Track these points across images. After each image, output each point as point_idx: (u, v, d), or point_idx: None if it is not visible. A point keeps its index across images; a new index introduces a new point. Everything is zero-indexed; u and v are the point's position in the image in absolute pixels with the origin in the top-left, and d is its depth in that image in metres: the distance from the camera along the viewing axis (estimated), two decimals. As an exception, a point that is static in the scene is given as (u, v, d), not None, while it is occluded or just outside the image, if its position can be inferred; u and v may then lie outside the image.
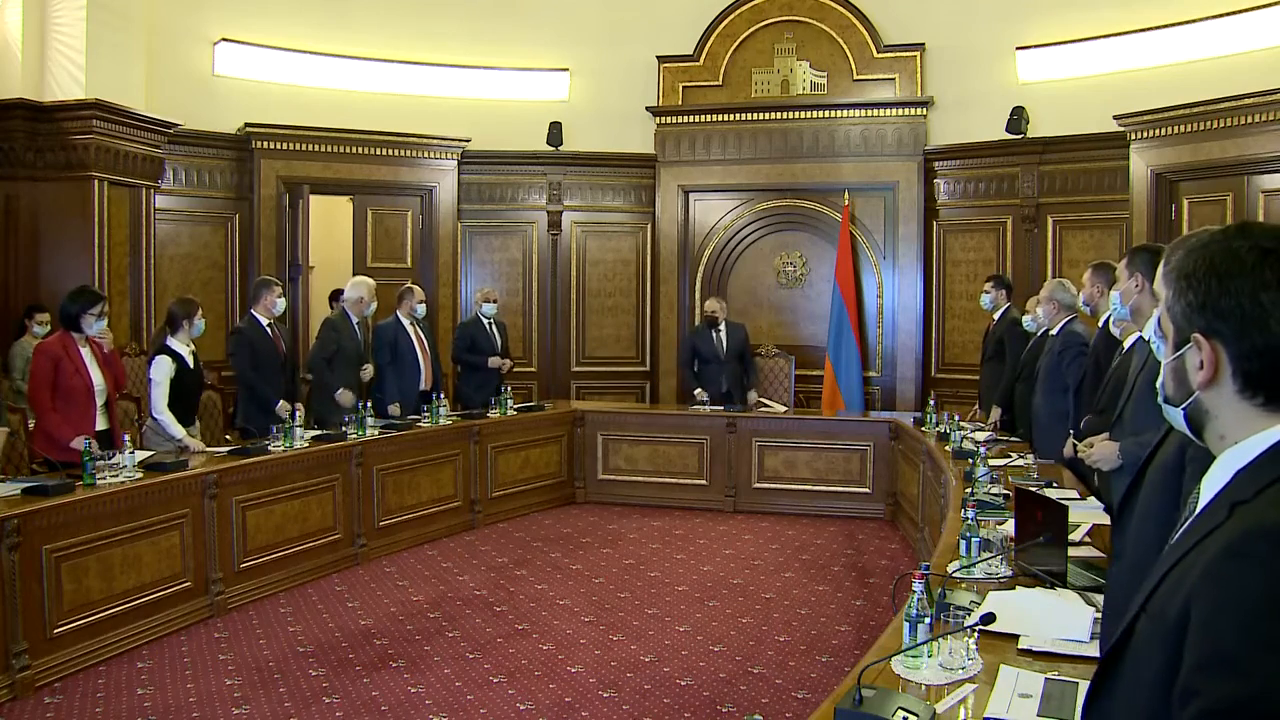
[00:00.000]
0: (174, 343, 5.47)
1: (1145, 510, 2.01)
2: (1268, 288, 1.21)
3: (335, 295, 9.27)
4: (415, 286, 7.32)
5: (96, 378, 5.05)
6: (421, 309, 7.19)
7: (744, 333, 8.02)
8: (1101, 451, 2.91)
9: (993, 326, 6.72)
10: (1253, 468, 1.19)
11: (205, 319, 5.65)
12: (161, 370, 5.38)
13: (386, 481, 6.27)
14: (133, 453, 4.78)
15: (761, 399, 7.80)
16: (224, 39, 8.43)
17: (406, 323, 7.10)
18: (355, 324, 6.75)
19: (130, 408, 5.92)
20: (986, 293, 6.71)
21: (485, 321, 7.63)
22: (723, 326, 7.85)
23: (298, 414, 5.88)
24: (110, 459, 4.60)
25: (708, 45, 9.22)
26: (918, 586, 2.41)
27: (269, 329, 6.10)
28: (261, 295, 6.09)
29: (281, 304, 6.17)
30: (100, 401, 5.07)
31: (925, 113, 8.70)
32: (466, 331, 7.67)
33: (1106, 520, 3.81)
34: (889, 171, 8.78)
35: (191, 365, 5.55)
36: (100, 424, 5.08)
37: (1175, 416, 1.32)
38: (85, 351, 5.05)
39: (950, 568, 3.10)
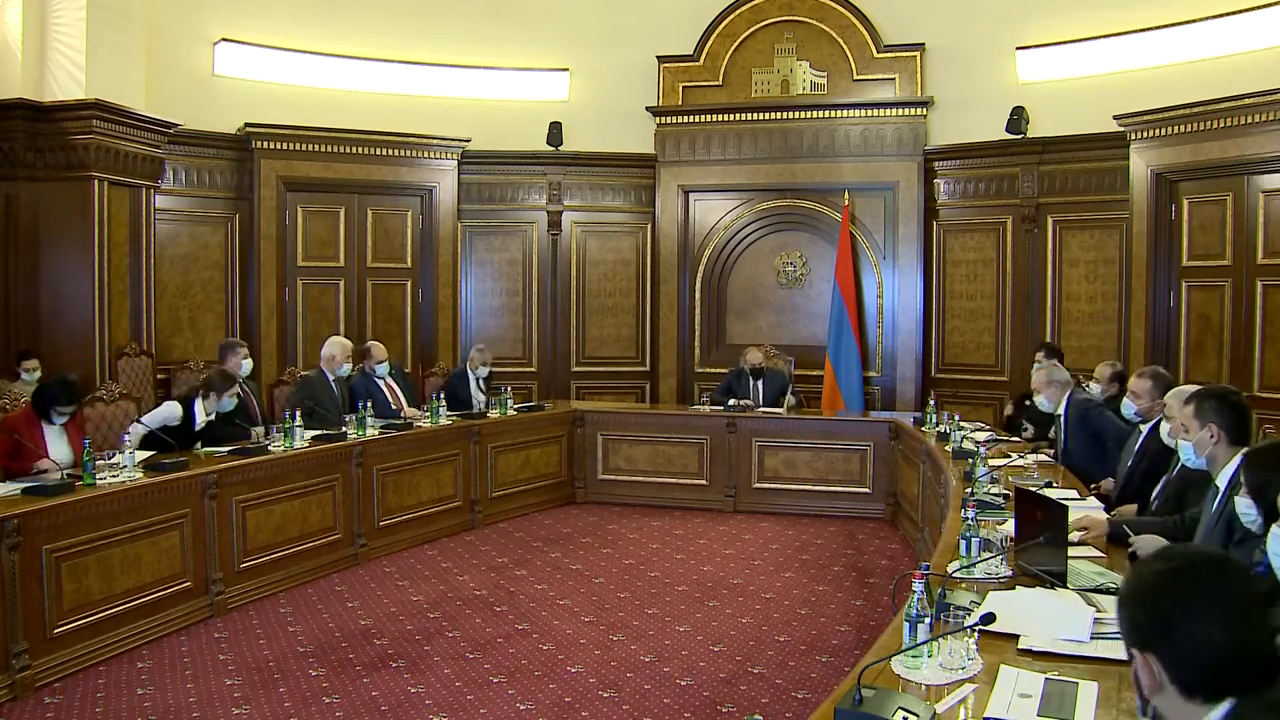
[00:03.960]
0: (198, 405, 5.54)
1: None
2: (1173, 604, 1.42)
3: None
4: (372, 345, 7.14)
5: (56, 453, 4.84)
6: (382, 368, 7.02)
7: (783, 379, 8.06)
8: (1146, 543, 2.98)
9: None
10: None
11: (236, 399, 5.73)
12: (166, 412, 5.44)
13: (386, 481, 6.26)
14: (132, 453, 4.78)
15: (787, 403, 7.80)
16: (224, 39, 8.42)
17: (375, 379, 6.99)
18: (332, 382, 6.59)
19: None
20: (1038, 362, 6.56)
21: (473, 378, 7.62)
22: (762, 376, 7.92)
23: None
24: (110, 459, 4.60)
25: (708, 45, 9.22)
26: (918, 586, 2.41)
27: (239, 387, 6.04)
28: (227, 357, 6.07)
29: (248, 365, 6.13)
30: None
31: (925, 113, 8.70)
32: (450, 385, 7.60)
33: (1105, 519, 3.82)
34: (889, 171, 8.78)
35: (196, 429, 5.55)
36: None
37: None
38: (51, 429, 4.90)
39: (950, 568, 3.11)
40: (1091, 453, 5.06)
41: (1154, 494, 4.00)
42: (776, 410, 7.68)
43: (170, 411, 5.47)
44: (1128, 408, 4.68)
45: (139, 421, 5.40)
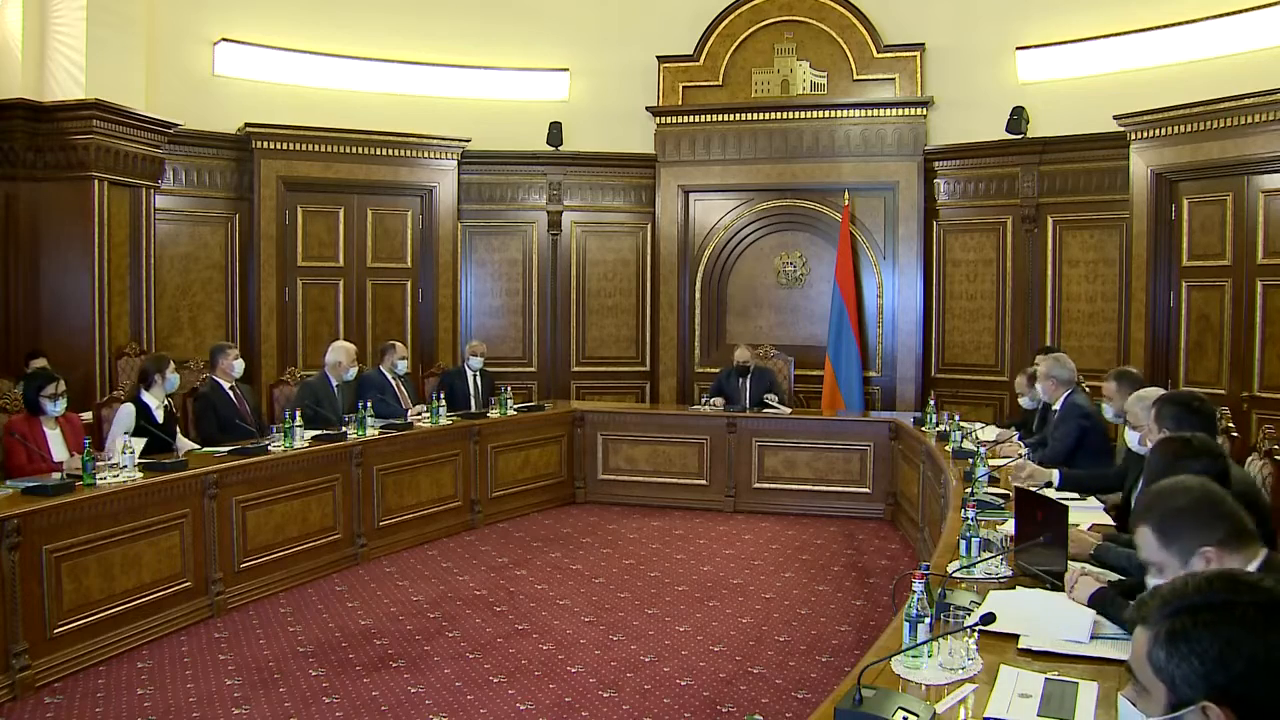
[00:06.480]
0: (147, 398, 5.42)
1: None
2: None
3: None
4: (397, 343, 7.30)
5: (59, 454, 4.86)
6: (403, 365, 7.16)
7: (770, 377, 8.02)
8: (1081, 589, 2.81)
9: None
10: None
11: (178, 374, 5.62)
12: (126, 418, 5.28)
13: (386, 481, 6.26)
14: (132, 453, 4.78)
15: (767, 399, 7.78)
16: (224, 39, 8.42)
17: (390, 377, 7.07)
18: (335, 387, 6.57)
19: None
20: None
21: (469, 373, 7.63)
22: (749, 374, 7.91)
23: None
24: (110, 459, 4.59)
25: (708, 45, 9.22)
26: (918, 586, 2.41)
27: (231, 391, 6.03)
28: (218, 360, 6.03)
29: (239, 366, 6.08)
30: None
31: (925, 113, 8.69)
32: (446, 382, 7.58)
33: (1107, 520, 3.82)
34: (889, 171, 8.77)
35: (162, 419, 5.45)
36: None
37: None
38: (53, 433, 4.93)
39: (950, 568, 3.11)
40: (1066, 456, 4.99)
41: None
42: (781, 410, 7.66)
43: (127, 415, 5.33)
44: (1106, 410, 4.72)
45: (121, 438, 5.29)
